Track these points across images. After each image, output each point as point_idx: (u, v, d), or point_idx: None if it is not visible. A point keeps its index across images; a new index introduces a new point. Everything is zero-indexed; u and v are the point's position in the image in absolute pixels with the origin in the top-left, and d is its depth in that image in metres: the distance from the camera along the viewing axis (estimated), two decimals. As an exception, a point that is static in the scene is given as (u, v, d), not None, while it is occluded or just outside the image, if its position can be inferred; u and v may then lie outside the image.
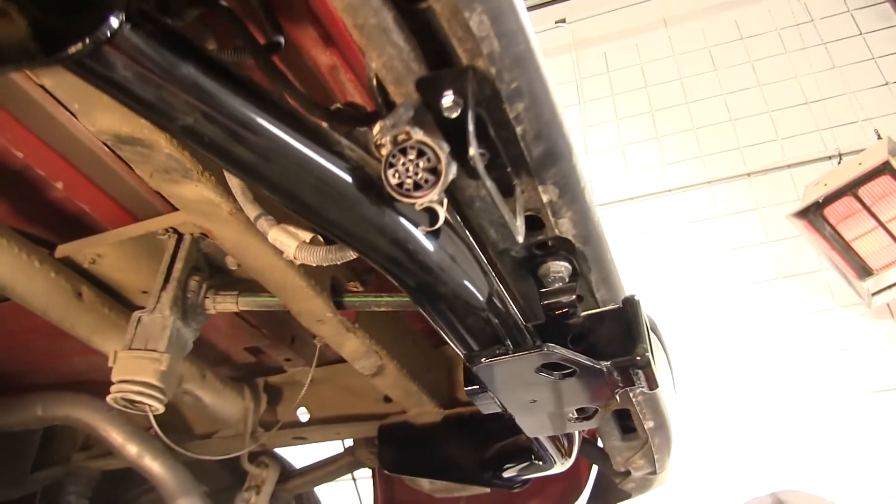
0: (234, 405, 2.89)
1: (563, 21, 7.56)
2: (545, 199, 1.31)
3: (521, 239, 1.21)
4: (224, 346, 2.86)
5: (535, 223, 1.38)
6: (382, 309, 2.09)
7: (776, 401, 5.33)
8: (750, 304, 5.71)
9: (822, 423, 5.18)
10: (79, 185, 2.05)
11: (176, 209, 2.04)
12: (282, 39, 1.52)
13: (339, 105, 1.44)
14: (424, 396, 2.63)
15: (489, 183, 1.09)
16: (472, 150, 1.02)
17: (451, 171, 1.04)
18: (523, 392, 1.55)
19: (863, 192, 5.14)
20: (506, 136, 1.19)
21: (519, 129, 1.16)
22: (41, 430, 3.47)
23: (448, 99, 1.07)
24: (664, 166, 6.46)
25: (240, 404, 2.91)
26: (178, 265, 2.09)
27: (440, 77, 1.09)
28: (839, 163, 5.71)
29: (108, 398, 2.02)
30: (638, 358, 1.46)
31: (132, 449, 2.88)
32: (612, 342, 1.51)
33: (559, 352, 1.37)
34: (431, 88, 1.09)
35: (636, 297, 1.54)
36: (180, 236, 2.13)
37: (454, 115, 1.08)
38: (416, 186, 1.03)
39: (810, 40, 6.58)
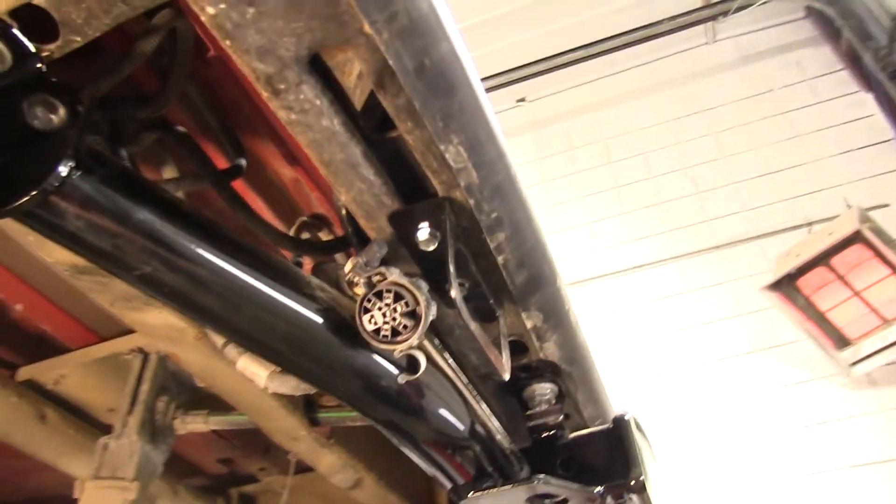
0: (208, 520, 2.77)
1: (524, 100, 7.60)
2: (529, 325, 1.25)
3: (506, 377, 1.14)
4: (195, 459, 2.75)
5: (518, 347, 1.32)
6: (357, 423, 2.01)
7: (756, 476, 5.23)
8: (725, 379, 5.63)
9: (804, 500, 5.09)
10: (39, 306, 1.98)
11: (141, 327, 1.97)
12: (243, 162, 1.46)
13: (306, 234, 1.38)
14: (404, 505, 2.54)
15: (473, 325, 1.02)
16: (455, 292, 0.96)
17: (430, 314, 0.97)
18: (513, 522, 1.46)
19: (836, 261, 5.12)
20: (486, 266, 1.13)
21: (500, 259, 1.11)
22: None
23: (424, 232, 1.02)
24: (630, 242, 6.44)
25: (213, 519, 2.79)
26: (145, 387, 2.00)
27: (415, 211, 1.03)
28: (809, 232, 5.71)
29: (76, 533, 1.92)
30: (633, 483, 1.39)
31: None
32: (604, 464, 1.44)
33: (551, 482, 1.29)
34: (406, 222, 1.04)
35: (626, 417, 1.47)
36: (146, 356, 2.04)
37: (431, 248, 1.02)
38: (395, 332, 0.96)
39: (771, 110, 6.65)
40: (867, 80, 6.46)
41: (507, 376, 1.15)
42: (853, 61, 6.61)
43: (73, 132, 0.92)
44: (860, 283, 5.19)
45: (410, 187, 1.05)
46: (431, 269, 1.02)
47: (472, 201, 1.01)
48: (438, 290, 1.01)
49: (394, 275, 0.98)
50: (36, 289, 1.94)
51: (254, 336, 1.05)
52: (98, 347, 2.08)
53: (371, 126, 1.02)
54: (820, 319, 5.32)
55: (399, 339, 0.96)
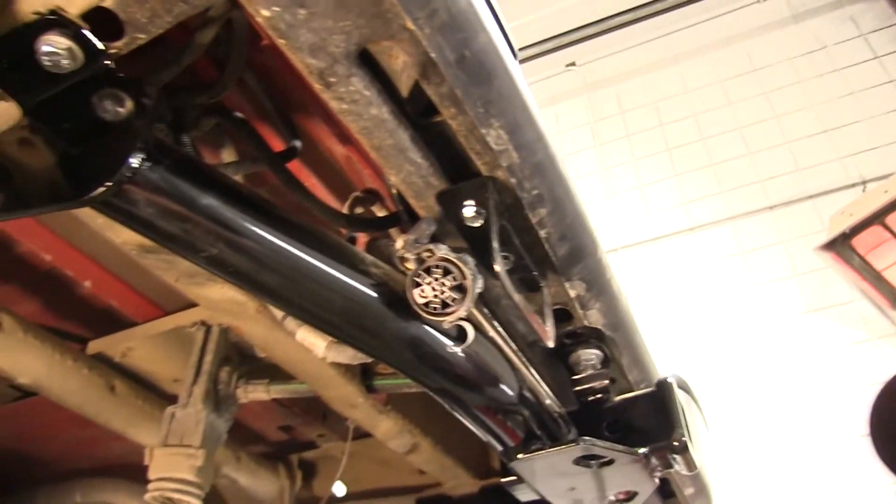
0: (270, 484, 2.88)
1: (574, 64, 7.57)
2: (572, 294, 1.30)
3: (551, 344, 1.20)
4: (257, 426, 2.85)
5: (563, 315, 1.37)
6: (412, 390, 2.08)
7: (812, 439, 5.21)
8: (780, 340, 5.60)
9: (861, 461, 5.06)
10: (106, 282, 2.07)
11: (203, 299, 2.06)
12: (298, 144, 1.53)
13: (359, 209, 1.45)
14: (460, 469, 2.61)
15: (517, 296, 1.08)
16: (498, 266, 1.02)
17: (477, 286, 1.04)
18: (561, 481, 1.53)
19: (891, 219, 5.05)
20: (529, 241, 1.19)
21: (543, 233, 1.16)
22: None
23: (469, 210, 1.08)
24: (684, 205, 6.41)
25: (275, 483, 2.90)
26: (208, 358, 2.09)
27: (460, 190, 1.09)
28: (863, 190, 5.63)
29: (147, 497, 2.02)
30: (675, 443, 1.44)
31: (170, 533, 2.87)
32: (648, 426, 1.50)
33: (597, 444, 1.35)
34: (452, 201, 1.10)
35: (669, 380, 1.52)
36: (208, 328, 2.13)
37: (476, 225, 1.08)
38: (444, 305, 1.03)
39: (824, 67, 6.54)
40: (923, 35, 6.33)
41: (551, 343, 1.21)
42: (909, 14, 6.47)
43: (143, 124, 1.00)
44: (919, 248, 5.13)
45: (455, 168, 1.11)
46: (478, 244, 1.08)
47: (513, 180, 1.07)
48: (485, 263, 1.08)
49: (442, 251, 1.05)
50: (103, 266, 2.03)
51: (312, 311, 1.12)
52: (162, 321, 2.17)
53: (417, 111, 1.07)
54: (876, 278, 5.26)
55: (448, 310, 1.02)
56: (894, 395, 2.87)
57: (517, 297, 1.08)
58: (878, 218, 5.13)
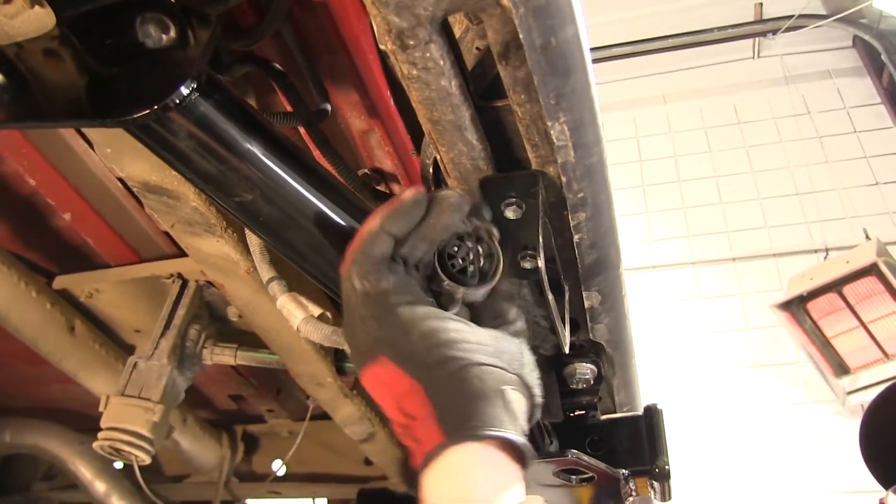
0: (212, 452, 2.81)
1: (564, 86, 7.56)
2: (587, 304, 1.28)
3: (566, 350, 1.18)
4: (208, 391, 2.79)
5: (571, 325, 1.35)
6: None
7: (740, 491, 5.29)
8: (724, 390, 5.68)
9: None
10: (87, 218, 2.00)
11: (182, 254, 2.00)
12: (328, 107, 1.49)
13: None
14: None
15: (551, 297, 1.06)
16: (541, 262, 1.00)
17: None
18: (537, 492, 1.51)
19: (847, 290, 5.15)
20: (562, 243, 1.16)
21: (577, 237, 1.14)
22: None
23: (512, 201, 1.06)
24: (651, 242, 6.46)
25: (217, 451, 2.84)
26: (181, 312, 2.04)
27: (511, 179, 1.07)
28: (825, 257, 5.74)
29: (95, 445, 1.96)
30: (657, 470, 1.43)
31: (100, 486, 2.79)
32: (631, 449, 1.48)
33: (584, 459, 1.33)
34: (497, 189, 1.08)
35: (659, 407, 1.51)
36: (185, 283, 2.08)
37: (514, 217, 1.06)
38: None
39: (806, 132, 6.65)
40: (903, 119, 6.48)
41: (566, 349, 1.18)
42: (892, 97, 6.60)
43: (199, 54, 0.95)
44: (868, 315, 5.23)
45: (506, 156, 1.09)
46: (510, 237, 1.06)
47: (564, 179, 1.05)
48: (511, 258, 1.05)
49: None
50: (87, 201, 1.96)
51: (334, 279, 1.08)
52: (138, 267, 2.10)
53: (477, 93, 1.05)
54: (824, 344, 5.36)
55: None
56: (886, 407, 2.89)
57: (551, 297, 1.06)
58: (836, 286, 5.23)
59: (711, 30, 6.97)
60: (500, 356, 0.93)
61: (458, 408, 0.85)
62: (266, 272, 1.59)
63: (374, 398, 0.95)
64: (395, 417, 0.91)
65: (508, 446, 0.87)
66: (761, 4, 6.95)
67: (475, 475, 0.84)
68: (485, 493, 0.85)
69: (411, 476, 0.93)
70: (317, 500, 3.12)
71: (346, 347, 1.57)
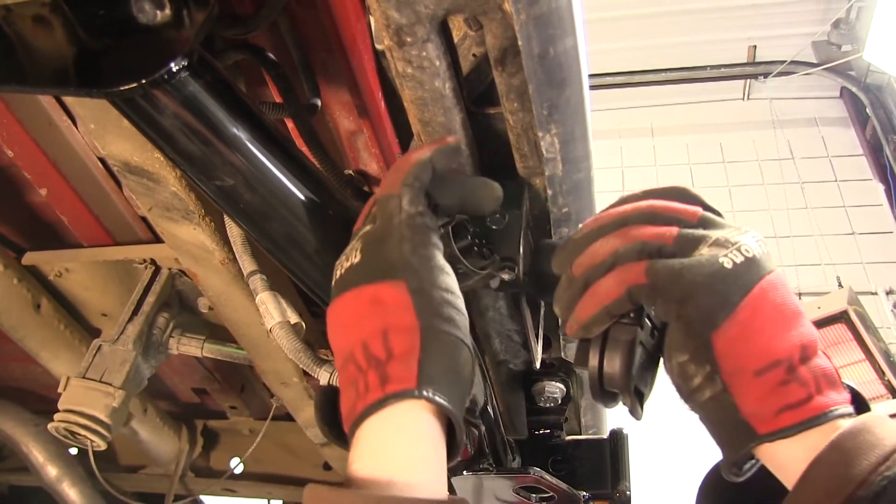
0: (169, 444, 2.77)
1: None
2: (560, 321, 1.27)
3: (537, 366, 1.17)
4: (172, 382, 2.75)
5: (543, 342, 1.34)
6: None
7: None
8: (684, 421, 5.66)
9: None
10: (63, 195, 1.96)
11: (158, 240, 1.97)
12: (318, 102, 1.47)
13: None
14: (368, 473, 2.54)
15: (527, 311, 1.05)
16: (520, 274, 0.98)
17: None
18: (494, 508, 1.49)
19: (816, 336, 5.18)
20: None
21: (557, 253, 1.13)
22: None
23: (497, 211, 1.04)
24: (630, 274, 6.44)
25: (175, 444, 2.79)
26: (150, 299, 2.01)
27: (496, 188, 1.05)
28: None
29: (50, 426, 1.91)
30: (618, 495, 1.42)
31: (52, 471, 2.73)
32: (594, 472, 1.47)
33: (545, 478, 1.32)
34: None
35: (625, 431, 1.50)
36: (157, 269, 2.04)
37: (495, 227, 1.05)
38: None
39: (788, 177, 6.72)
40: (882, 172, 6.54)
41: (537, 365, 1.17)
42: (874, 150, 6.69)
43: (195, 35, 0.94)
44: (836, 362, 5.25)
45: (492, 164, 1.08)
46: (494, 244, 1.04)
47: (550, 192, 1.04)
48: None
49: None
50: (65, 178, 1.93)
51: (311, 274, 1.07)
52: (112, 249, 2.07)
53: (470, 98, 1.04)
54: (793, 388, 5.38)
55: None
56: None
57: (527, 311, 1.05)
58: (806, 331, 5.25)
59: (705, 67, 7.03)
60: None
61: (439, 366, 0.82)
62: (248, 265, 1.57)
63: (349, 323, 0.87)
64: (358, 353, 0.85)
65: (454, 430, 0.84)
66: (755, 47, 7.02)
67: (423, 433, 0.81)
68: (424, 452, 0.81)
69: (330, 418, 0.90)
70: (272, 501, 3.08)
71: (309, 370, 1.55)
